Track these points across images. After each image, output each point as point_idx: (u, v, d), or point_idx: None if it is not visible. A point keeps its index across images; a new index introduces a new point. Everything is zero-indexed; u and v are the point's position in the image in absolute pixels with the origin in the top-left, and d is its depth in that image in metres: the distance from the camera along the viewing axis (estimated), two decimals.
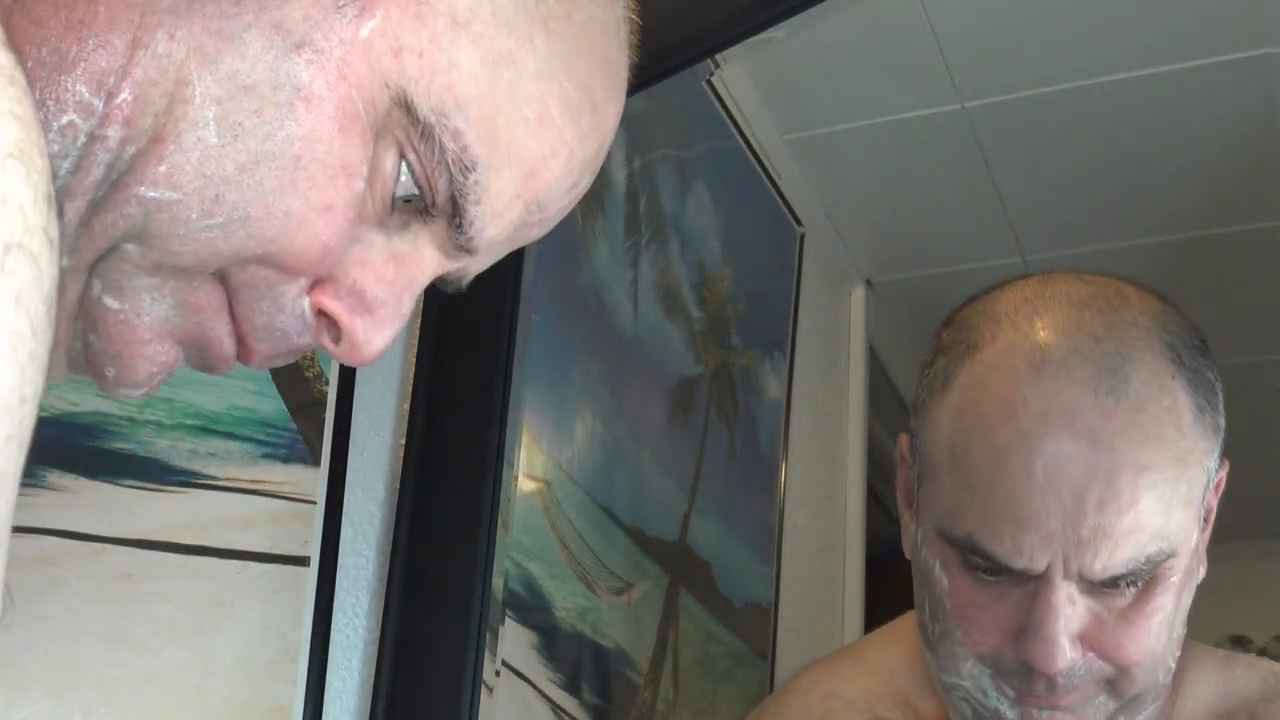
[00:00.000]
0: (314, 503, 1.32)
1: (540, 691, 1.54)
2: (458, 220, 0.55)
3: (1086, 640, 0.90)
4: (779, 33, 1.46)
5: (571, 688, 1.60)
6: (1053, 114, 2.14)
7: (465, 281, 0.60)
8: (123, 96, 0.49)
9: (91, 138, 0.49)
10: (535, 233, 0.59)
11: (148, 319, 0.53)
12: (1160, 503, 0.88)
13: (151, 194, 0.50)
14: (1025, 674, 0.91)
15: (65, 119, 0.48)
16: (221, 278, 0.53)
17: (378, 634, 1.37)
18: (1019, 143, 2.22)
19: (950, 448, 0.92)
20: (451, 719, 1.34)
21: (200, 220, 0.50)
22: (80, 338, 0.53)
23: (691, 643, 1.89)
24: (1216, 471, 0.94)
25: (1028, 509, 0.87)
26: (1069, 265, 1.01)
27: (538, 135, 0.55)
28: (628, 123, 0.66)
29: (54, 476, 1.13)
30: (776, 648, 2.12)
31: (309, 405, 1.33)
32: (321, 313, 0.55)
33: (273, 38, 0.50)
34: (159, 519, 1.20)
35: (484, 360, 1.44)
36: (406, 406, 1.45)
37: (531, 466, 1.54)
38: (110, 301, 0.52)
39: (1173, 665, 0.95)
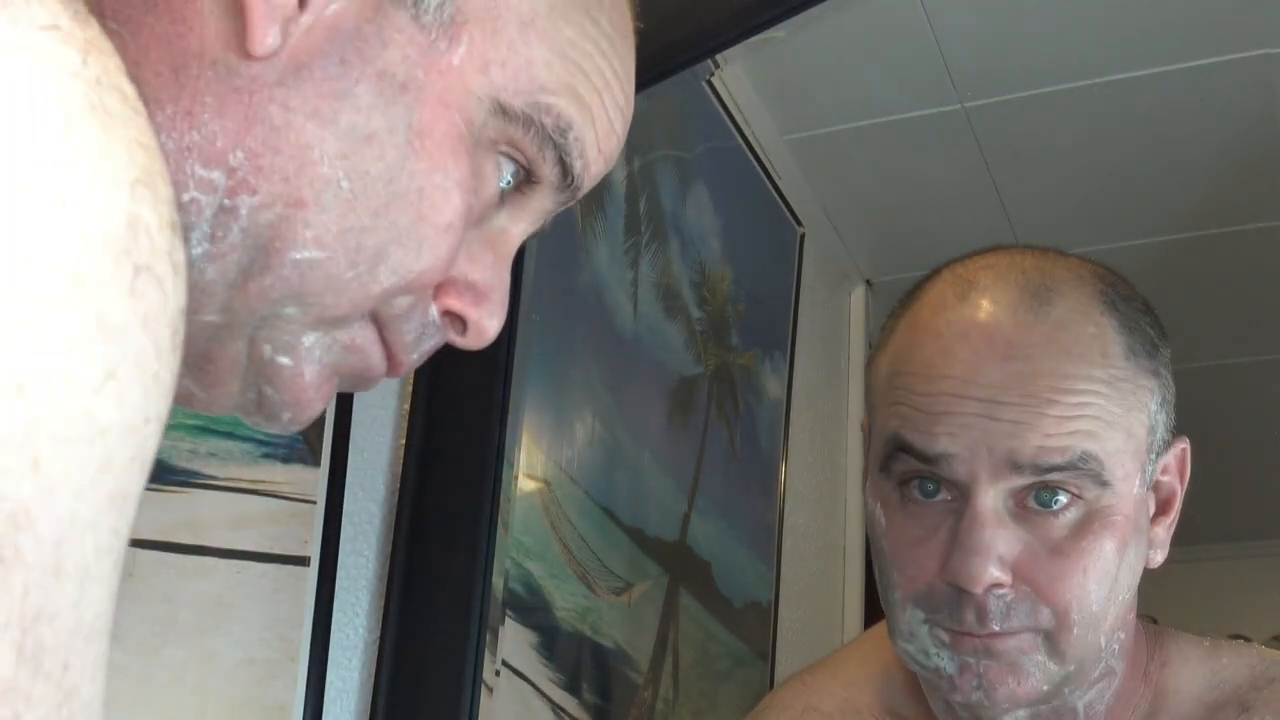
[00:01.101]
0: (314, 503, 1.32)
1: (540, 691, 1.54)
2: (568, 178, 0.61)
3: (1019, 570, 0.89)
4: (779, 33, 1.46)
5: (571, 687, 1.61)
6: (1053, 114, 2.14)
7: (546, 225, 0.66)
8: (245, 171, 0.52)
9: (220, 209, 0.52)
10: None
11: (318, 368, 0.58)
12: (1087, 409, 0.88)
13: (302, 255, 0.53)
14: (955, 603, 0.90)
15: (187, 197, 0.51)
16: (371, 314, 0.58)
17: (378, 634, 1.37)
18: (1019, 143, 2.22)
19: (888, 377, 0.95)
20: (451, 719, 1.34)
21: (348, 271, 0.55)
22: (253, 390, 0.57)
23: (691, 642, 1.89)
24: (1167, 435, 0.93)
25: (944, 403, 0.89)
26: None
27: (603, 102, 0.61)
28: None
29: None
30: (776, 648, 2.12)
31: None
32: (446, 312, 0.60)
33: (380, 86, 0.54)
34: (159, 519, 1.20)
35: (484, 360, 1.44)
36: (406, 406, 1.45)
37: (531, 466, 1.54)
38: (284, 360, 0.56)
39: (1118, 636, 0.93)
